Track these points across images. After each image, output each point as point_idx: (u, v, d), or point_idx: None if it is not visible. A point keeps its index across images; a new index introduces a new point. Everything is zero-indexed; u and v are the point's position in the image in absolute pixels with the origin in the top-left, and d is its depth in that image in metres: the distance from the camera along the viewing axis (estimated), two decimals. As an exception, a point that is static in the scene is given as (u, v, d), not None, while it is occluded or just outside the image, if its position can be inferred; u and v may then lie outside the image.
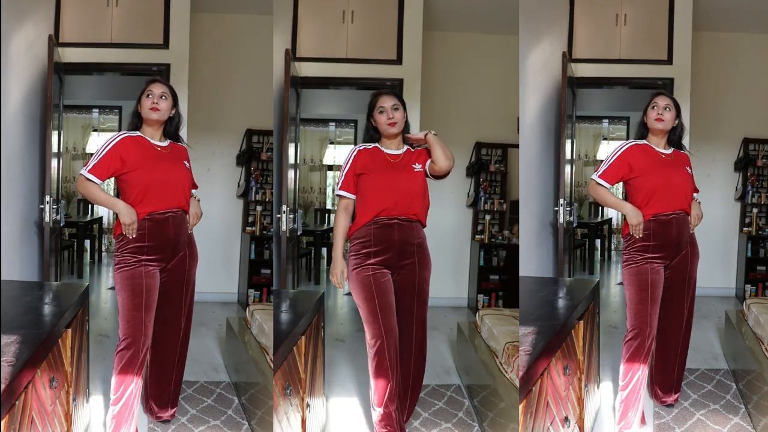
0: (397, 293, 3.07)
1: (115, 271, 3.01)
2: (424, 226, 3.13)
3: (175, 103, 3.13)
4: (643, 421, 3.27)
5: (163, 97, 3.07)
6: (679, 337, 3.35)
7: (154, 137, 3.09)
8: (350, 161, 3.10)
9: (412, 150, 3.16)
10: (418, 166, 3.10)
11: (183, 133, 4.61)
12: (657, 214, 3.19)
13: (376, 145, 3.13)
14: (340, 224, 3.10)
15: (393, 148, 3.13)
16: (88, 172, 2.98)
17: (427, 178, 3.15)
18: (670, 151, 3.28)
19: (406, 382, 3.17)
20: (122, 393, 2.97)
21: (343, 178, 3.11)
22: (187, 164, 3.17)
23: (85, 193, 3.01)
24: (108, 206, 3.04)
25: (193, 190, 3.25)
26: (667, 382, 3.42)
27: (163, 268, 3.07)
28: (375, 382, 3.04)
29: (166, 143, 3.12)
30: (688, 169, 3.29)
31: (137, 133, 3.09)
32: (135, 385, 2.97)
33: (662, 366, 3.40)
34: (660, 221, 3.19)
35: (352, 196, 3.10)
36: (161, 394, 3.23)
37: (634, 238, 3.21)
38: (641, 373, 3.17)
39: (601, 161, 3.32)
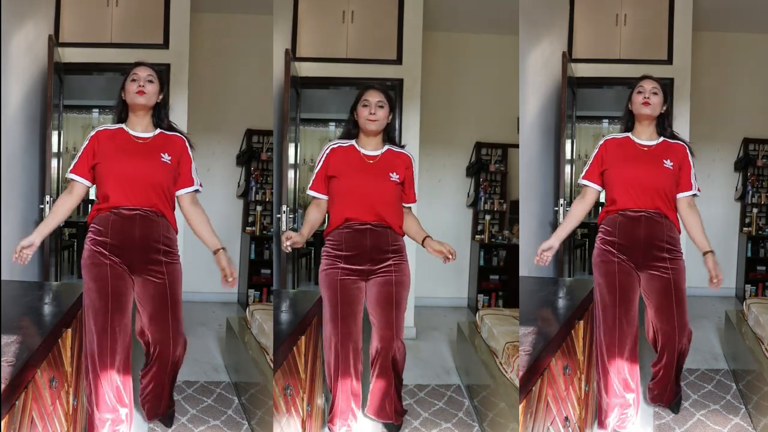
0: (372, 302, 3.00)
1: (82, 266, 2.83)
2: (401, 234, 3.03)
3: (162, 88, 2.93)
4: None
5: (150, 80, 2.89)
6: (674, 351, 3.13)
7: (137, 127, 2.89)
8: (322, 160, 3.01)
9: (395, 151, 3.04)
10: (395, 176, 2.99)
11: (183, 133, 4.63)
12: (625, 209, 3.04)
13: (353, 143, 3.03)
14: (309, 216, 3.02)
15: (370, 148, 3.02)
16: (71, 171, 2.85)
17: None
18: (655, 142, 3.08)
19: (385, 392, 3.09)
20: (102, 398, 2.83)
21: (314, 178, 3.03)
22: (166, 156, 2.88)
23: (55, 203, 2.89)
24: (40, 226, 2.85)
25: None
26: (666, 400, 3.32)
27: (138, 276, 2.84)
28: (332, 391, 3.04)
29: (150, 134, 2.90)
30: (666, 162, 3.05)
31: (118, 125, 2.91)
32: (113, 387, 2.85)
33: (659, 382, 3.26)
34: (628, 216, 3.04)
35: (323, 197, 3.03)
36: (154, 411, 3.11)
37: (604, 229, 3.08)
38: (615, 373, 3.11)
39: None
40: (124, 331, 2.83)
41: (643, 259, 3.04)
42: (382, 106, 2.99)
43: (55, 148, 4.47)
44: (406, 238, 3.07)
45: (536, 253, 3.04)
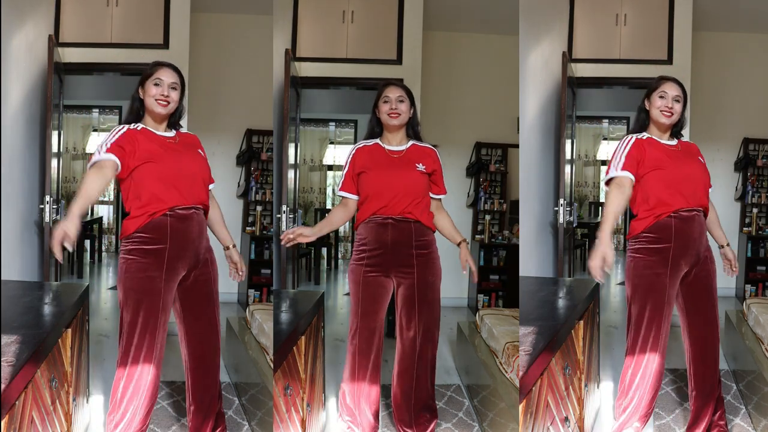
0: (399, 299, 3.01)
1: (122, 279, 2.60)
2: (430, 228, 3.01)
3: (183, 92, 2.76)
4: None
5: (174, 88, 2.71)
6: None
7: (158, 129, 2.73)
8: (349, 161, 3.03)
9: (420, 146, 3.05)
10: (421, 167, 2.98)
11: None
12: (678, 210, 2.84)
13: (377, 141, 3.04)
14: (332, 215, 3.07)
15: (395, 144, 3.03)
16: (106, 152, 2.54)
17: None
18: (674, 142, 2.96)
19: (409, 391, 3.07)
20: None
21: (343, 179, 3.04)
22: (202, 153, 2.80)
23: (83, 180, 2.50)
24: (74, 207, 2.42)
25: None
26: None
27: (186, 276, 2.70)
28: (344, 383, 3.05)
29: (172, 133, 2.75)
30: (701, 159, 2.98)
31: (140, 125, 2.70)
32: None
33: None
34: (683, 218, 2.85)
35: (353, 197, 3.03)
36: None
37: (649, 236, 2.84)
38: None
39: (605, 167, 3.10)
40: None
41: (697, 259, 2.89)
42: (402, 101, 3.00)
43: (55, 148, 4.47)
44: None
45: (598, 269, 2.65)
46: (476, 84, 5.84)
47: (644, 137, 2.93)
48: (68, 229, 2.34)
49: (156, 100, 2.67)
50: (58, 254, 2.36)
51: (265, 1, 4.79)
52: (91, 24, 4.79)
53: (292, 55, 4.61)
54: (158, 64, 2.73)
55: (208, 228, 2.83)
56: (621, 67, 4.98)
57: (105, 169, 2.55)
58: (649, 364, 2.89)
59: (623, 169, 2.84)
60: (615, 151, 2.92)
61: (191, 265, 2.71)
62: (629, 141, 2.91)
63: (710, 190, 3.01)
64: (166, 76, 2.70)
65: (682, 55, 4.96)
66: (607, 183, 2.91)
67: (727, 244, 3.11)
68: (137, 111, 2.73)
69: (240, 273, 2.99)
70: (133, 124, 2.69)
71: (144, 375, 2.64)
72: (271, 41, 4.69)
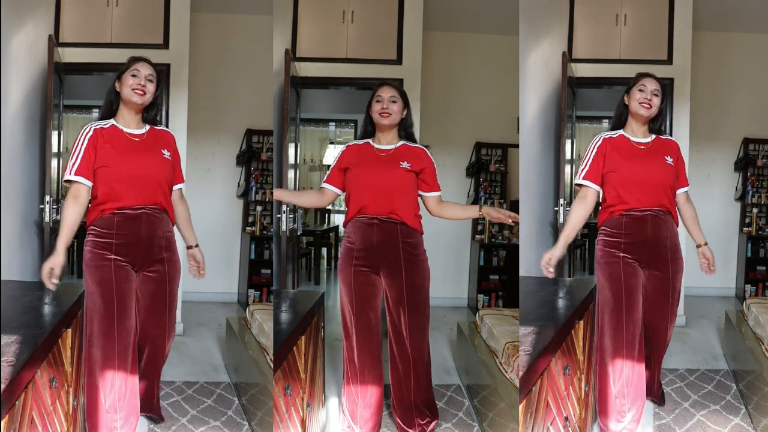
0: (390, 301, 3.00)
1: (84, 268, 2.77)
2: (417, 230, 3.00)
3: (158, 87, 2.87)
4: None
5: (150, 80, 2.82)
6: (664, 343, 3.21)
7: (131, 124, 2.83)
8: (338, 156, 3.09)
9: (410, 146, 3.07)
10: (406, 164, 2.99)
11: (183, 133, 4.64)
12: (631, 209, 2.97)
13: (368, 140, 3.08)
14: (306, 192, 3.21)
15: (385, 143, 3.05)
16: (75, 174, 2.73)
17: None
18: (648, 139, 3.04)
19: (407, 392, 3.07)
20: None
21: (329, 173, 3.10)
22: (167, 153, 2.89)
23: (63, 213, 2.72)
24: (59, 242, 2.71)
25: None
26: (655, 394, 3.41)
27: (139, 273, 2.82)
28: (344, 387, 3.06)
29: (143, 130, 2.85)
30: (667, 158, 3.02)
31: (110, 122, 2.82)
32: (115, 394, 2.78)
33: (649, 378, 3.28)
34: (634, 217, 2.98)
35: (331, 188, 3.07)
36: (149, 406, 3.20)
37: (607, 231, 3.03)
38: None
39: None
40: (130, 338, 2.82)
41: (650, 258, 3.01)
42: (394, 101, 3.02)
43: (55, 148, 4.47)
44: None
45: (542, 266, 2.97)
46: (476, 84, 5.84)
47: (615, 135, 3.06)
48: (54, 265, 2.66)
49: (133, 89, 2.79)
50: (51, 287, 2.68)
51: (265, 1, 4.79)
52: (91, 24, 4.79)
53: (292, 55, 4.61)
54: (135, 59, 2.86)
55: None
56: (621, 67, 4.97)
57: (80, 197, 2.76)
58: (608, 354, 3.00)
59: (585, 177, 3.03)
60: (587, 149, 3.07)
61: (141, 263, 2.81)
62: (596, 144, 3.06)
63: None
64: (144, 68, 2.82)
65: (682, 55, 4.96)
66: (578, 185, 3.09)
67: (705, 244, 3.18)
68: (111, 105, 2.85)
69: (201, 273, 3.09)
70: (102, 122, 2.82)
71: (113, 364, 2.73)
72: (271, 41, 4.69)
